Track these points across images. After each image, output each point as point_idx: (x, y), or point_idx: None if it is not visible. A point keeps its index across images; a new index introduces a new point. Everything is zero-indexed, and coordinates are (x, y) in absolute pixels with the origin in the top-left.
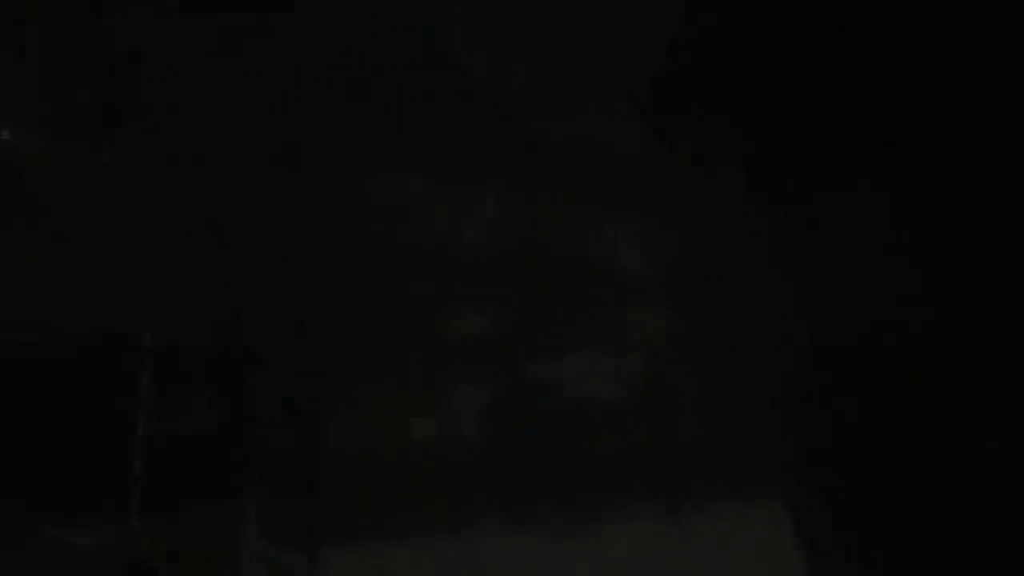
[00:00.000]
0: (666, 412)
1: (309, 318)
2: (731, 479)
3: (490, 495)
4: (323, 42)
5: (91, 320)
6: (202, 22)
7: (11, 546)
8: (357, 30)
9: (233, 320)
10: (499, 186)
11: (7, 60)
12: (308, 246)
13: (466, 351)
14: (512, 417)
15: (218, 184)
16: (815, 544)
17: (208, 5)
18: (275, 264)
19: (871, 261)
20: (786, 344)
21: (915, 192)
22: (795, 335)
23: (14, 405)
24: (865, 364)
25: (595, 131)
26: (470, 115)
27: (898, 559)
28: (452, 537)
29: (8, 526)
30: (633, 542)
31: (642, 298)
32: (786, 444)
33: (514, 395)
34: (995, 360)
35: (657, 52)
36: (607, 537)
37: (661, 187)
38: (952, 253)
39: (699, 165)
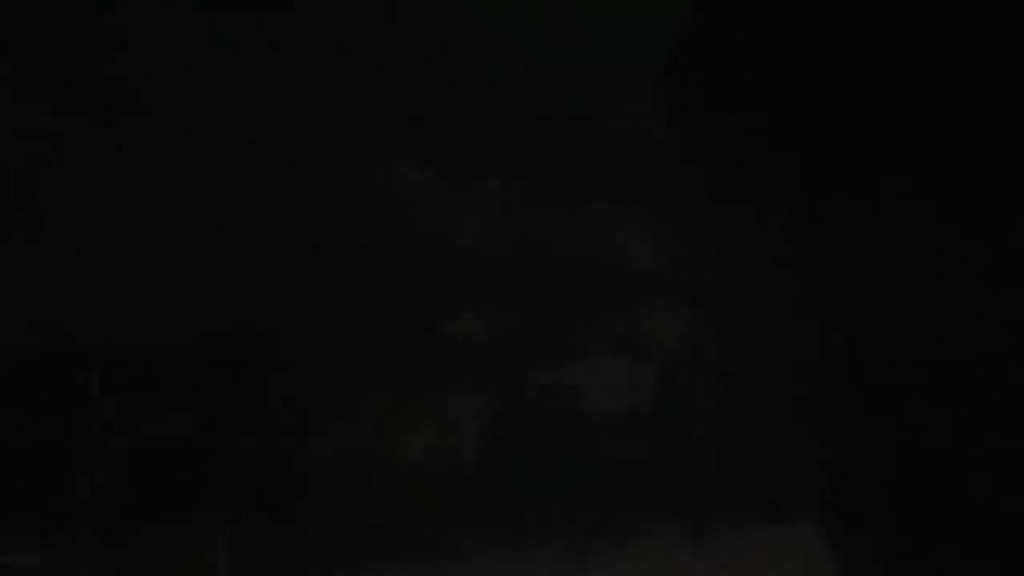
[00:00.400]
0: (682, 424)
1: (294, 322)
2: (756, 497)
3: (492, 516)
4: (321, 33)
5: (47, 324)
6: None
7: None
8: (354, 20)
9: (209, 323)
10: (501, 181)
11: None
12: (296, 245)
13: (466, 357)
14: (515, 429)
15: (203, 181)
16: (852, 570)
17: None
18: (260, 264)
19: (899, 264)
20: (813, 350)
21: (935, 187)
22: (824, 340)
23: None
24: (904, 374)
25: (605, 123)
26: (470, 106)
27: None
28: (451, 563)
29: None
30: (649, 567)
31: (655, 300)
32: (816, 460)
33: (517, 405)
34: None
35: (671, 39)
36: (621, 562)
37: (674, 182)
38: (984, 251)
39: (715, 159)
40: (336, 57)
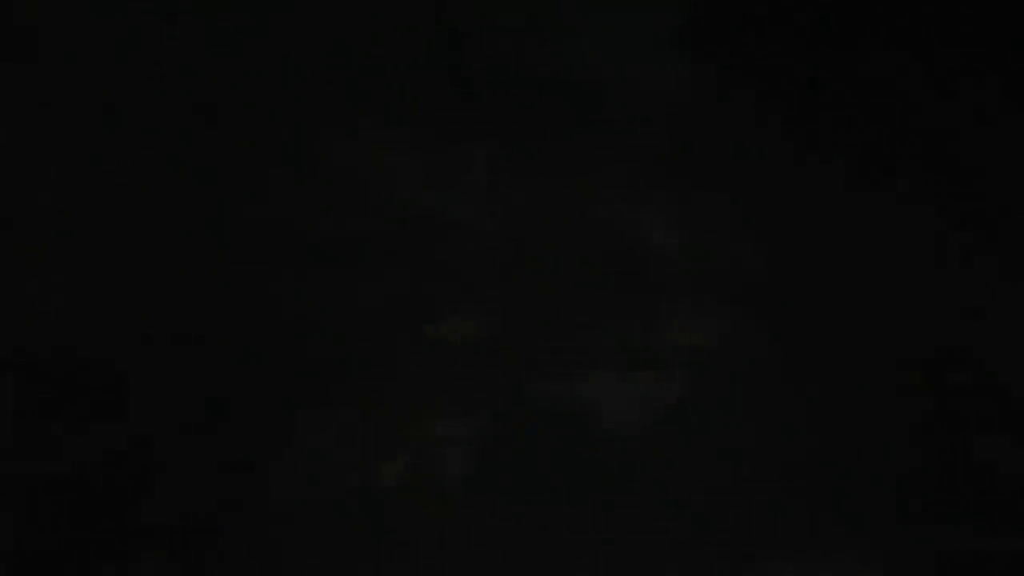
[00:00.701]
0: (716, 446)
1: (246, 325)
2: (806, 533)
3: (485, 560)
4: None
5: None
6: None
7: None
8: None
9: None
10: (492, 153)
11: None
12: (248, 231)
13: (450, 367)
14: (511, 454)
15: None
16: None
17: None
18: (204, 255)
19: None
20: (878, 358)
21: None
22: (891, 345)
23: None
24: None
25: (620, 80)
26: (454, 61)
27: None
28: None
29: None
30: None
31: (680, 300)
32: (880, 487)
33: (513, 425)
34: None
35: None
36: None
37: (705, 152)
38: None
39: (752, 131)
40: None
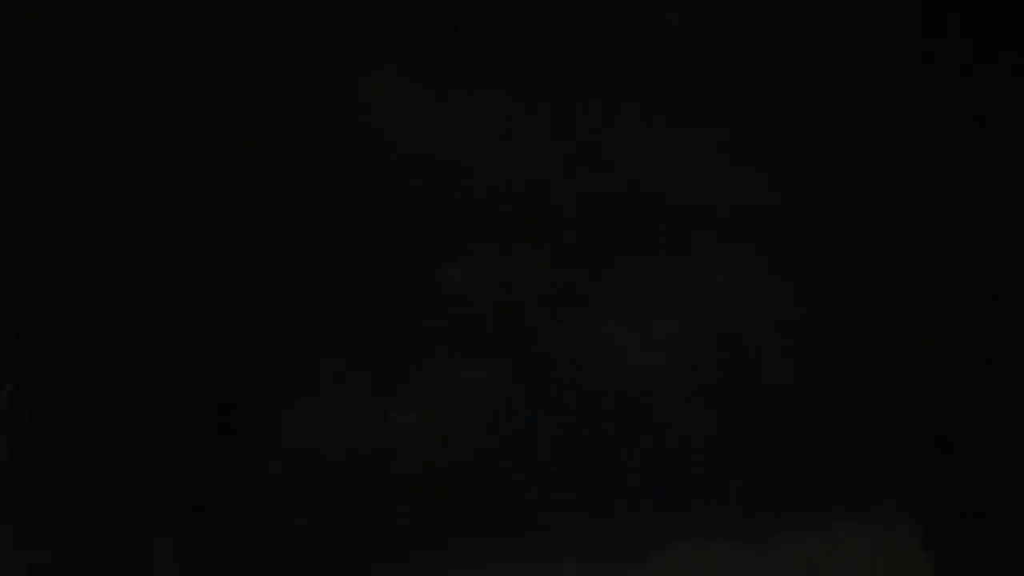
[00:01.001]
0: (743, 393)
1: (252, 271)
2: (832, 485)
3: (502, 512)
4: None
5: None
6: None
7: None
8: None
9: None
10: (511, 83)
11: None
12: (244, 172)
13: (466, 312)
14: (531, 402)
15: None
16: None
17: None
18: (209, 196)
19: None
20: (910, 307)
21: None
22: (924, 296)
23: None
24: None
25: (648, 8)
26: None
27: None
28: (450, 571)
29: None
30: (699, 570)
31: (710, 239)
32: (908, 439)
33: (533, 371)
34: None
35: None
36: (664, 564)
37: (733, 93)
38: None
39: (786, 64)
40: None
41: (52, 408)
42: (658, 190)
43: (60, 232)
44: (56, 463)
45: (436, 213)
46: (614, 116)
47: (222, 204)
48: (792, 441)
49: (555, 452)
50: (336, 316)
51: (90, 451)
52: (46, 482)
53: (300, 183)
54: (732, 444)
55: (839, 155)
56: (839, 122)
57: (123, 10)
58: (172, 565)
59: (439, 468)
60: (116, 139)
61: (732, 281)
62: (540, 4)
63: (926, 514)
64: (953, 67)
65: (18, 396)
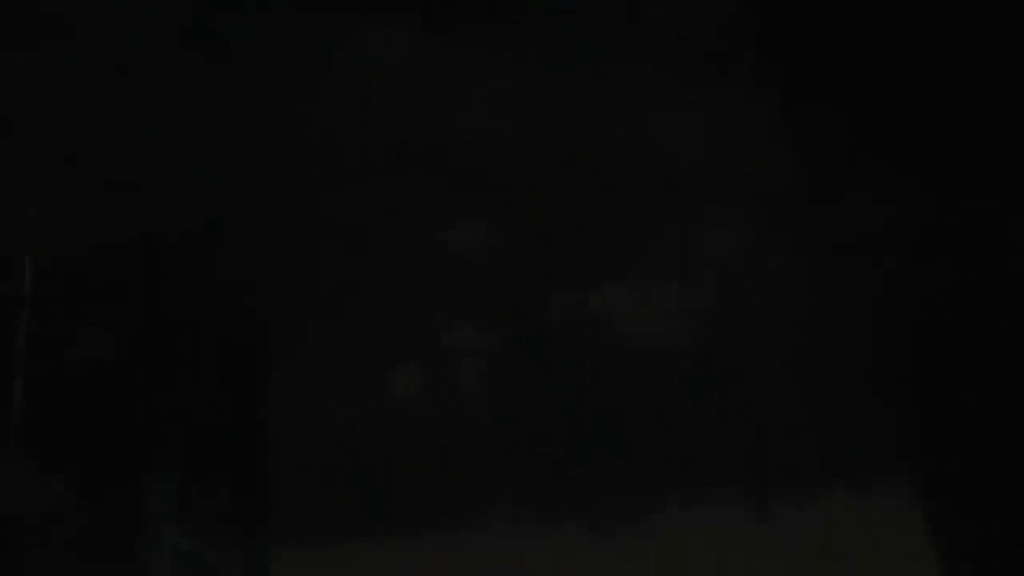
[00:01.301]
0: (744, 363)
1: (252, 228)
2: (833, 455)
3: (501, 477)
4: None
5: None
6: None
7: None
8: None
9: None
10: (513, 45)
11: None
12: (248, 133)
13: (467, 276)
14: (531, 368)
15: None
16: (949, 544)
17: None
18: (208, 154)
19: None
20: (915, 276)
21: None
22: (933, 263)
23: None
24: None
25: None
26: None
27: None
28: (447, 535)
29: None
30: (699, 540)
31: (712, 207)
32: (908, 411)
33: (534, 338)
34: None
35: None
36: (664, 535)
37: (743, 56)
38: None
39: (791, 30)
40: None
41: (62, 355)
42: (659, 158)
43: (67, 191)
44: (67, 407)
45: (437, 178)
46: (615, 82)
47: (222, 166)
48: (793, 412)
49: (555, 418)
50: (334, 280)
51: (97, 396)
52: (58, 424)
53: (300, 145)
54: (733, 414)
55: (844, 130)
56: (845, 96)
57: None
58: (174, 507)
59: (437, 432)
60: (120, 97)
61: (734, 251)
62: None
63: (926, 487)
64: (960, 63)
65: (32, 343)
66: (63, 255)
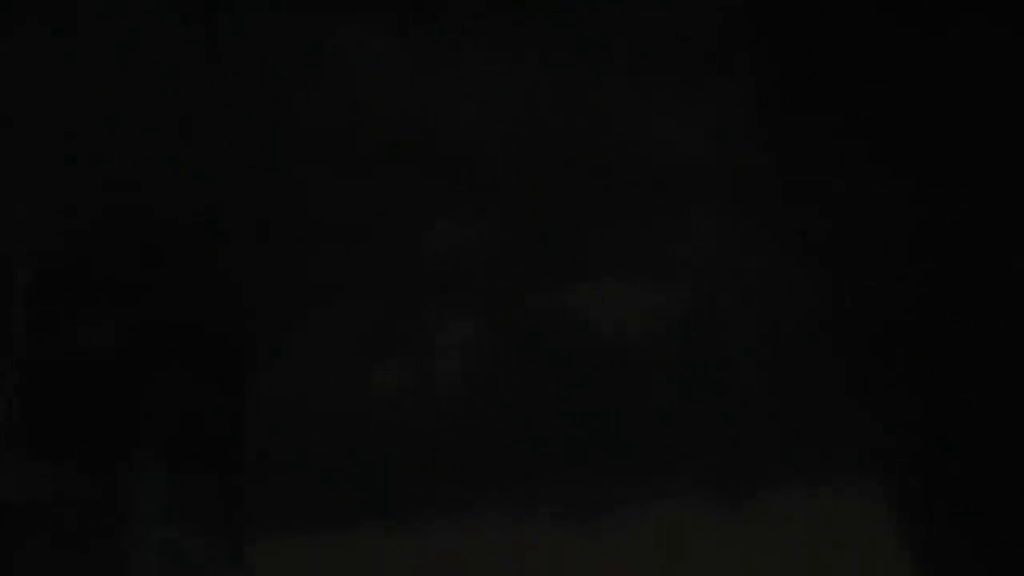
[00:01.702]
0: (721, 360)
1: (238, 222)
2: (807, 451)
3: (481, 469)
4: None
5: None
6: None
7: None
8: None
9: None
10: (493, 44)
11: None
12: (232, 131)
13: (448, 274)
14: (511, 364)
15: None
16: (922, 538)
17: None
18: (194, 145)
19: None
20: (898, 276)
21: None
22: (917, 263)
23: None
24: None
25: None
26: None
27: None
28: (428, 526)
29: None
30: (675, 532)
31: (693, 205)
32: (886, 405)
33: (514, 334)
34: None
35: None
36: (640, 526)
37: (734, 54)
38: None
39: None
40: None
41: (59, 343)
42: (646, 155)
43: (62, 175)
44: (63, 396)
45: (422, 172)
46: (602, 78)
47: (211, 158)
48: (771, 406)
49: (537, 412)
50: (319, 274)
51: (92, 385)
52: (53, 414)
53: (287, 137)
54: (712, 407)
55: (834, 132)
56: (836, 97)
57: None
58: (163, 498)
59: (421, 425)
60: (117, 84)
61: (718, 247)
62: None
63: (900, 485)
64: (959, 61)
65: (31, 332)
66: (55, 249)
